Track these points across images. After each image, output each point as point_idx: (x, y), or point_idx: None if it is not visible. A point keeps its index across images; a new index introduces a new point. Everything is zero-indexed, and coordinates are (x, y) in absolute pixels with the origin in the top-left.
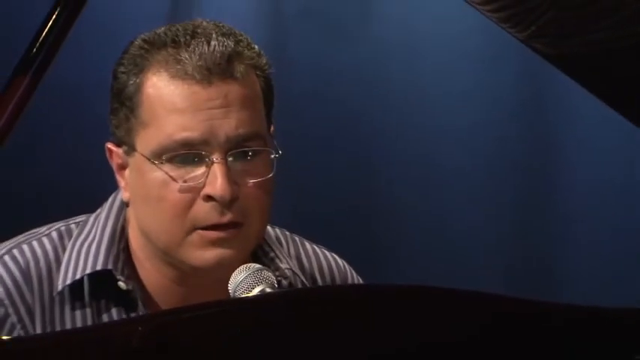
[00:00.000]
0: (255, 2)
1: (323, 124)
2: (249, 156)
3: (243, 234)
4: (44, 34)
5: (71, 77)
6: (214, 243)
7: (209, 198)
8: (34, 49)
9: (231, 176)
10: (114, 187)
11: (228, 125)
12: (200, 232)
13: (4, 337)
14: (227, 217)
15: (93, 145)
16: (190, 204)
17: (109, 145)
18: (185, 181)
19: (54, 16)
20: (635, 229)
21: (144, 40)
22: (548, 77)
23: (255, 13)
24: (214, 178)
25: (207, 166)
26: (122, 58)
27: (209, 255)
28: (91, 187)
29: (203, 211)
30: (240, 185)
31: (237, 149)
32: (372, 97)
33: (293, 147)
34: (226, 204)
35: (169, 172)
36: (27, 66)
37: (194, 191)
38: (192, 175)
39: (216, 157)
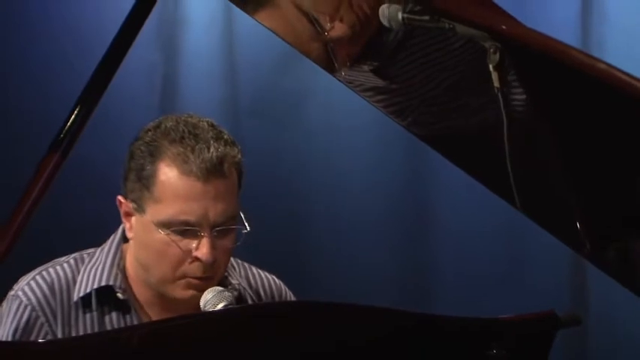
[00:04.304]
0: (218, 103)
1: (266, 190)
2: (226, 231)
3: (212, 281)
4: (68, 124)
5: (88, 153)
6: (194, 287)
7: (197, 259)
8: (61, 135)
9: (214, 246)
10: (112, 229)
11: (215, 213)
12: (189, 279)
13: (40, 340)
14: (207, 273)
15: (95, 202)
16: (183, 262)
17: (120, 198)
18: (182, 245)
19: (75, 111)
20: (488, 260)
21: (155, 133)
22: (425, 153)
23: (220, 111)
24: (202, 247)
25: (197, 238)
26: (139, 143)
27: (188, 293)
28: (98, 230)
29: (192, 267)
30: (217, 251)
31: (219, 227)
32: (303, 170)
33: (245, 203)
34: (209, 264)
35: (171, 237)
36: (56, 147)
37: (186, 253)
38: (187, 241)
39: (204, 233)
